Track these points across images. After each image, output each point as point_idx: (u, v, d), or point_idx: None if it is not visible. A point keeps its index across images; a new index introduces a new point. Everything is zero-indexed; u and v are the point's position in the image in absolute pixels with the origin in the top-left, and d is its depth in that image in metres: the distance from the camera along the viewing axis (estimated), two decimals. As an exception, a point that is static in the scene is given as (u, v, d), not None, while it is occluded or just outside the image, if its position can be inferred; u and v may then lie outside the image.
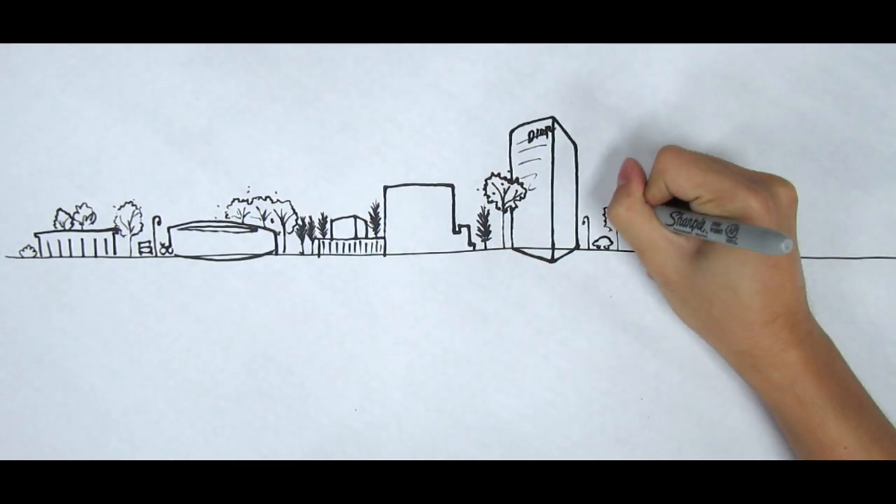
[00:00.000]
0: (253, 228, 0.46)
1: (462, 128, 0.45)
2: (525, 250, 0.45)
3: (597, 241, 0.45)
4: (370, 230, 0.46)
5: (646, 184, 0.41)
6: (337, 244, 0.46)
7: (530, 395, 0.45)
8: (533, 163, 0.45)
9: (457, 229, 0.45)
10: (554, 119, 0.45)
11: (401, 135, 0.45)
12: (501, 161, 0.45)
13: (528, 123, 0.45)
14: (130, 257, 0.46)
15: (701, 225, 0.38)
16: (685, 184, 0.39)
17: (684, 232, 0.40)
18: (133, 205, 0.46)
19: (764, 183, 0.39)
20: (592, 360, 0.45)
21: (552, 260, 0.45)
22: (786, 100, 0.45)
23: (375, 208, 0.46)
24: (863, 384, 0.41)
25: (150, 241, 0.46)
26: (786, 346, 0.39)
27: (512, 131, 0.45)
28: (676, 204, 0.41)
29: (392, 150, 0.46)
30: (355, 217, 0.46)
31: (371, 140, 0.46)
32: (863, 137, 0.44)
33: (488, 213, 0.45)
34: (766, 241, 0.34)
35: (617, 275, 0.45)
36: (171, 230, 0.46)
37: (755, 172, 0.40)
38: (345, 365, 0.46)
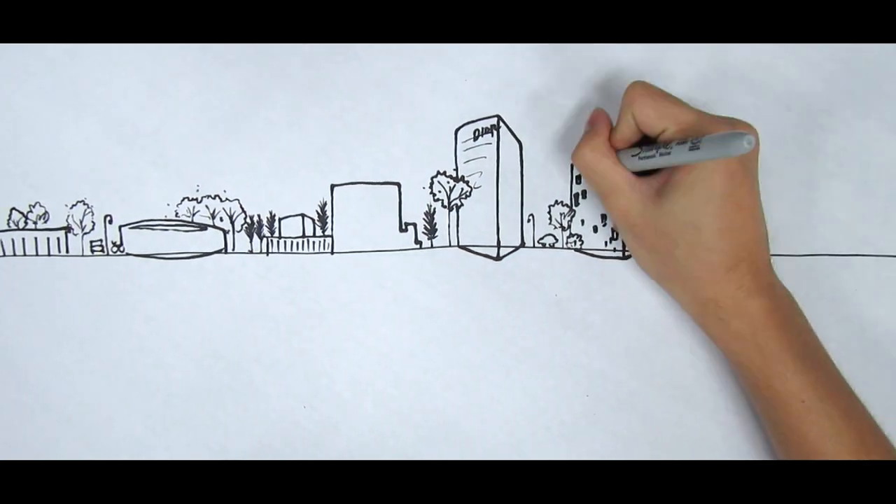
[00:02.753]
0: (202, 227, 0.46)
1: (408, 126, 0.46)
2: (471, 248, 0.46)
3: (542, 238, 0.45)
4: (318, 228, 0.46)
5: (611, 130, 0.42)
6: (285, 242, 0.46)
7: (476, 392, 0.46)
8: (478, 161, 0.45)
9: (403, 227, 0.46)
10: (499, 118, 0.45)
11: (348, 133, 0.46)
12: (447, 159, 0.46)
13: (473, 122, 0.45)
14: (83, 256, 0.47)
15: (667, 145, 0.39)
16: (652, 114, 0.39)
17: (647, 158, 0.40)
18: (85, 204, 0.47)
19: (728, 122, 0.39)
20: (538, 358, 0.45)
21: (498, 258, 0.46)
22: (728, 98, 0.45)
23: (323, 207, 0.46)
24: (859, 382, 0.41)
25: (101, 240, 0.47)
26: (749, 294, 0.39)
27: (457, 130, 0.46)
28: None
29: (339, 149, 0.46)
30: (303, 215, 0.46)
31: (318, 139, 0.46)
32: (805, 136, 0.45)
33: (434, 212, 0.46)
34: (729, 142, 0.34)
35: (562, 272, 0.45)
36: (123, 229, 0.47)
37: (718, 115, 0.40)
38: (293, 362, 0.46)
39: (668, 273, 0.42)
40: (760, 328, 0.39)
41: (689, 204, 0.39)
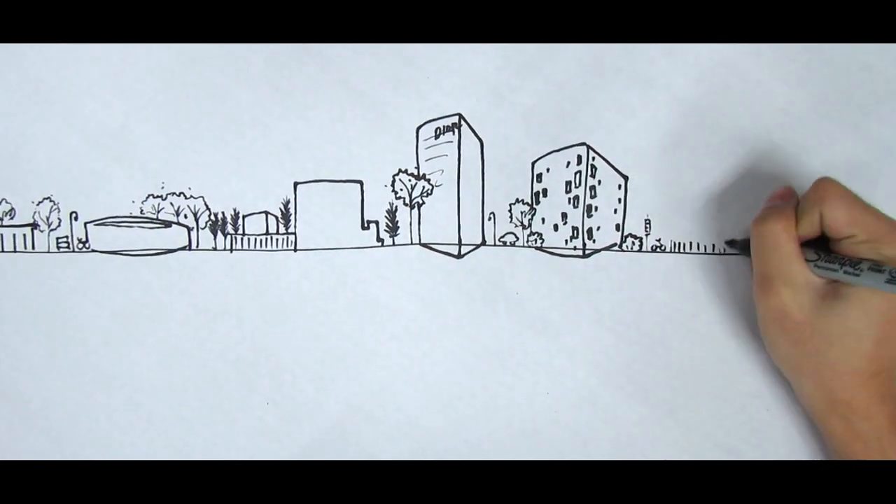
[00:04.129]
0: (167, 224, 0.47)
1: (370, 124, 0.46)
2: (432, 246, 0.46)
3: (503, 237, 0.46)
4: (281, 226, 0.46)
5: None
6: (248, 239, 0.46)
7: (438, 390, 0.46)
8: (440, 159, 0.46)
9: (365, 225, 0.46)
10: (460, 116, 0.45)
11: (310, 131, 0.46)
12: (409, 157, 0.46)
13: (435, 120, 0.46)
14: (49, 252, 0.47)
15: (855, 264, 0.38)
16: (843, 218, 0.38)
17: (828, 270, 0.39)
18: (51, 200, 0.47)
19: None
20: (498, 355, 0.46)
21: (459, 256, 0.46)
22: (689, 97, 0.45)
23: (286, 204, 0.46)
24: None
25: (67, 237, 0.47)
26: (882, 400, 0.39)
27: (419, 128, 0.46)
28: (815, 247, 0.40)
29: (302, 147, 0.46)
30: (266, 213, 0.46)
31: (281, 136, 0.46)
32: (765, 134, 0.45)
33: (396, 209, 0.46)
34: None
35: (523, 271, 0.46)
36: (88, 225, 0.47)
37: None
38: (256, 359, 0.46)
39: (806, 369, 0.41)
40: (885, 433, 0.39)
41: (863, 313, 0.38)
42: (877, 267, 0.37)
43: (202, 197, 0.47)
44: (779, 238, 0.39)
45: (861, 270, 0.38)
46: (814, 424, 0.44)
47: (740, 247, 0.44)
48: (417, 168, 0.46)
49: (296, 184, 0.46)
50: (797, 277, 0.39)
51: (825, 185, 0.39)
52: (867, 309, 0.38)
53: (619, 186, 0.45)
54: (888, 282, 0.37)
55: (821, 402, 0.41)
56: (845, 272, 0.38)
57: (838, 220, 0.38)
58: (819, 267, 0.39)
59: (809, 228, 0.40)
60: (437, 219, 0.46)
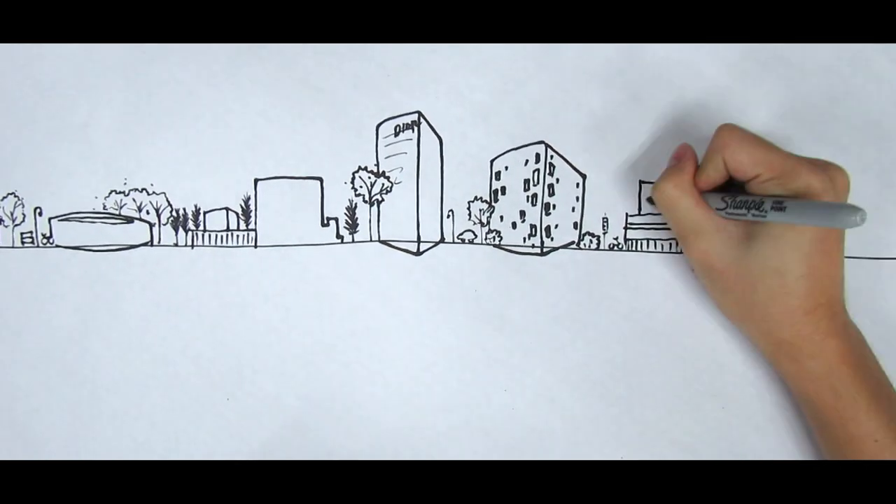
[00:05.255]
0: (129, 220, 0.47)
1: (330, 122, 0.46)
2: (391, 243, 0.46)
3: (461, 234, 0.46)
4: (241, 222, 0.47)
5: (697, 168, 0.41)
6: (209, 236, 0.47)
7: (396, 386, 0.46)
8: (399, 157, 0.46)
9: (325, 222, 0.46)
10: (420, 114, 0.46)
11: (271, 129, 0.46)
12: (368, 155, 0.46)
13: (394, 118, 0.46)
14: (13, 247, 0.47)
15: (759, 205, 0.38)
16: (746, 159, 0.38)
17: (737, 215, 0.39)
18: (16, 196, 0.47)
19: (820, 166, 0.39)
20: (457, 352, 0.46)
21: (418, 253, 0.46)
22: (647, 96, 0.45)
23: (247, 200, 0.46)
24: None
25: (31, 232, 0.47)
26: (825, 336, 0.39)
27: (379, 126, 0.46)
28: (723, 192, 0.40)
29: (262, 144, 0.46)
30: (227, 209, 0.47)
31: (242, 134, 0.46)
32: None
33: (356, 207, 0.46)
34: (839, 214, 0.33)
35: (481, 268, 0.46)
36: (52, 221, 0.47)
37: (808, 158, 0.39)
38: (217, 355, 0.46)
39: (742, 314, 0.41)
40: (835, 369, 0.39)
41: (777, 252, 0.38)
42: (778, 205, 0.37)
43: (164, 193, 0.47)
44: (673, 196, 0.40)
45: (765, 211, 0.38)
46: (771, 421, 0.44)
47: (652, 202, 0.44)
48: (377, 165, 0.46)
49: (256, 180, 0.46)
50: (705, 227, 0.40)
51: (725, 131, 0.39)
52: (782, 245, 0.38)
53: (577, 185, 0.45)
54: (791, 219, 0.36)
55: (766, 345, 0.41)
56: (753, 215, 0.38)
57: (742, 162, 0.39)
58: (729, 214, 0.39)
59: (715, 175, 0.40)
60: (397, 216, 0.46)
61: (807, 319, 0.39)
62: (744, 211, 0.39)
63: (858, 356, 0.40)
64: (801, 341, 0.40)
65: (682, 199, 0.40)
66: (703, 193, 0.41)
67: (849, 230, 0.41)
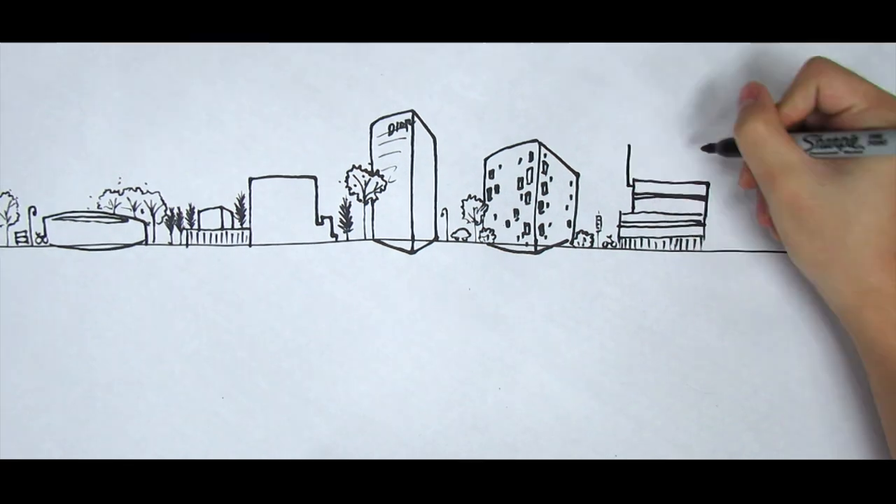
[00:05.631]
0: (123, 219, 0.47)
1: (324, 121, 0.46)
2: (385, 241, 0.46)
3: (455, 233, 0.46)
4: (236, 221, 0.47)
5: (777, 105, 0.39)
6: (204, 234, 0.47)
7: (391, 385, 0.46)
8: (393, 155, 0.46)
9: (319, 221, 0.46)
10: (414, 112, 0.46)
11: (265, 128, 0.46)
12: (362, 154, 0.46)
13: (388, 117, 0.46)
14: (7, 247, 0.47)
15: (853, 141, 0.36)
16: (842, 87, 0.37)
17: (827, 154, 0.37)
18: (10, 195, 0.47)
19: None
20: (451, 350, 0.46)
21: (412, 251, 0.46)
22: (640, 94, 0.45)
23: (241, 199, 0.47)
24: None
25: (26, 231, 0.47)
26: None
27: (373, 124, 0.46)
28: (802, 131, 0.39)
29: (257, 143, 0.46)
30: (221, 208, 0.47)
31: (237, 132, 0.46)
32: (715, 131, 0.45)
33: (350, 205, 0.46)
34: None
35: (475, 266, 0.46)
36: (46, 220, 0.47)
37: None
38: (211, 353, 0.46)
39: (829, 259, 0.39)
40: None
41: (874, 186, 0.37)
42: (877, 138, 0.36)
43: (158, 192, 0.47)
44: (763, 134, 0.38)
45: (862, 146, 0.36)
46: (765, 419, 0.44)
47: (719, 149, 0.42)
48: (371, 164, 0.46)
49: (250, 179, 0.46)
50: (796, 163, 0.38)
51: (819, 61, 0.38)
52: (878, 179, 0.37)
53: (571, 183, 0.46)
54: (891, 147, 0.35)
55: (851, 295, 0.39)
56: (846, 152, 0.37)
57: (838, 90, 0.37)
58: (815, 154, 0.38)
59: (804, 106, 0.39)
60: (391, 214, 0.46)
61: None
62: (834, 149, 0.37)
63: None
64: (889, 287, 0.38)
65: (772, 137, 0.38)
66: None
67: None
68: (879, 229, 0.37)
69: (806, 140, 0.38)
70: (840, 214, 0.38)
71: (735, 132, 0.39)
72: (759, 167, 0.39)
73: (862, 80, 0.38)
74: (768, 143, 0.38)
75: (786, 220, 0.39)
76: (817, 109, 0.39)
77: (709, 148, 0.43)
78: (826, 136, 0.38)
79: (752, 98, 0.40)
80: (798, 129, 0.40)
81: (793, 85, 0.39)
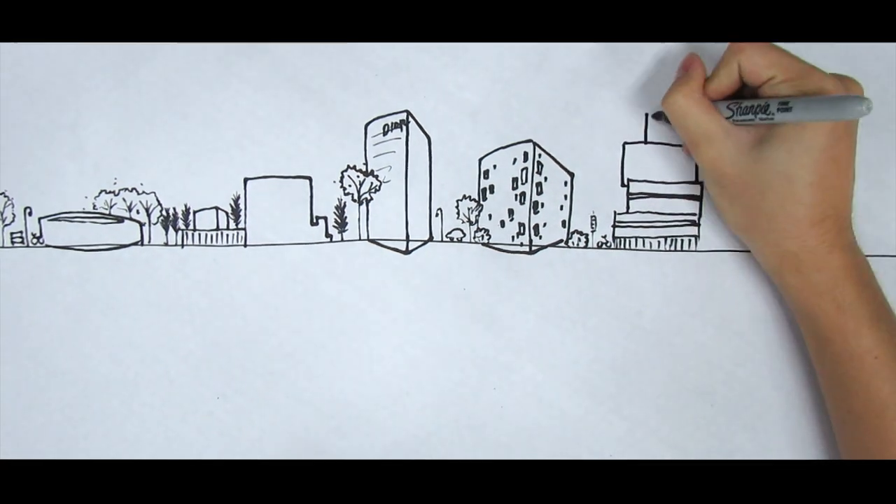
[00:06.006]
0: (119, 219, 0.47)
1: (319, 121, 0.46)
2: (380, 242, 0.46)
3: (450, 233, 0.46)
4: (231, 221, 0.47)
5: (705, 78, 0.41)
6: (199, 235, 0.47)
7: (386, 385, 0.46)
8: (388, 155, 0.46)
9: (314, 221, 0.46)
10: (408, 113, 0.46)
11: (260, 128, 0.46)
12: (357, 154, 0.46)
13: (383, 117, 0.46)
14: (3, 247, 0.47)
15: (765, 108, 0.38)
16: (761, 60, 0.39)
17: (745, 121, 0.39)
18: (5, 196, 0.47)
19: (836, 78, 0.39)
20: (446, 350, 0.46)
21: (407, 251, 0.46)
22: (634, 94, 0.45)
23: (236, 200, 0.47)
24: None
25: (22, 232, 0.47)
26: (831, 249, 0.39)
27: (367, 125, 0.46)
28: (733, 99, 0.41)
29: (252, 143, 0.46)
30: (217, 208, 0.47)
31: (231, 133, 0.46)
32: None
33: (345, 206, 0.46)
34: (845, 104, 0.33)
35: (470, 266, 0.46)
36: (42, 221, 0.47)
37: (822, 71, 0.39)
38: (207, 354, 0.47)
39: (750, 224, 0.41)
40: (840, 282, 0.39)
41: (787, 156, 0.38)
42: (784, 105, 0.37)
43: (154, 192, 0.47)
44: (683, 105, 0.40)
45: (772, 113, 0.38)
46: (759, 419, 0.44)
47: (664, 118, 0.44)
48: (366, 164, 0.46)
49: (246, 180, 0.46)
50: (716, 133, 0.40)
51: (740, 43, 0.40)
52: (792, 149, 0.38)
53: (566, 183, 0.46)
54: (797, 115, 0.36)
55: (772, 257, 0.41)
56: (760, 119, 0.39)
57: (757, 63, 0.39)
58: (736, 121, 0.40)
59: (728, 80, 0.40)
60: (385, 215, 0.46)
61: (814, 231, 0.39)
62: (751, 116, 0.39)
63: (862, 273, 0.40)
64: (806, 253, 0.39)
65: (692, 108, 0.40)
66: (713, 102, 0.41)
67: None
68: (793, 198, 0.39)
69: (728, 108, 0.40)
70: (756, 182, 0.39)
71: (662, 104, 0.41)
72: (684, 136, 0.41)
73: (783, 53, 0.39)
74: (689, 113, 0.40)
75: (710, 186, 0.42)
76: (746, 84, 0.41)
77: (657, 115, 0.45)
78: (745, 103, 0.39)
79: (685, 70, 0.42)
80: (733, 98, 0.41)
81: (718, 63, 0.41)
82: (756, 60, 0.39)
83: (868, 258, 0.41)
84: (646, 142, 0.45)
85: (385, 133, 0.46)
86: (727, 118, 0.40)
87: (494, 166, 0.46)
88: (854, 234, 0.41)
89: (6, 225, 0.47)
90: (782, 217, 0.39)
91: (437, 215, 0.46)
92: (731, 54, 0.40)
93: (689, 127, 0.40)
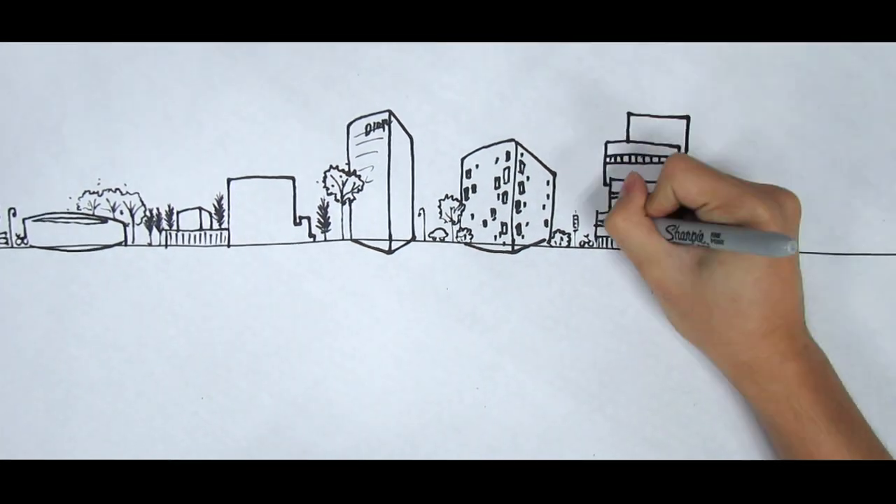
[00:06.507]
0: (103, 220, 0.47)
1: (302, 121, 0.46)
2: (363, 241, 0.46)
3: (432, 232, 0.46)
4: (214, 222, 0.47)
5: (647, 197, 0.41)
6: (183, 235, 0.47)
7: (369, 384, 0.46)
8: (370, 155, 0.46)
9: (297, 221, 0.46)
10: (390, 112, 0.46)
11: (243, 128, 0.46)
12: (340, 154, 0.46)
13: (365, 117, 0.46)
14: (-12, 248, 0.47)
15: (700, 237, 0.38)
16: (693, 188, 0.39)
17: (683, 242, 0.40)
18: (-10, 197, 0.47)
19: (770, 193, 0.39)
20: (429, 350, 0.46)
21: (390, 251, 0.46)
22: (616, 94, 0.45)
23: (219, 200, 0.47)
24: (856, 382, 0.42)
25: (6, 233, 0.47)
26: (784, 359, 0.40)
27: (350, 124, 0.46)
28: (676, 218, 0.41)
29: (235, 143, 0.46)
30: (200, 209, 0.47)
31: (214, 133, 0.46)
32: (691, 129, 0.45)
33: (328, 205, 0.46)
34: (771, 243, 0.34)
35: (452, 266, 0.46)
36: (26, 221, 0.47)
37: (759, 184, 0.40)
38: (191, 353, 0.47)
39: (701, 337, 0.42)
40: (795, 391, 0.40)
41: (729, 275, 0.39)
42: (716, 237, 0.37)
43: (137, 193, 0.47)
44: (623, 228, 0.41)
45: (706, 242, 0.38)
46: (742, 417, 0.44)
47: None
48: (348, 164, 0.46)
49: (229, 180, 0.47)
50: (658, 255, 0.41)
51: (674, 161, 0.39)
52: (733, 271, 0.39)
53: (548, 182, 0.46)
54: (729, 247, 0.37)
55: (727, 367, 0.42)
56: (697, 245, 0.39)
57: (689, 191, 0.39)
58: (675, 243, 0.40)
59: (665, 203, 0.40)
60: (368, 214, 0.46)
61: (765, 343, 0.40)
62: (688, 241, 0.39)
63: (819, 378, 0.40)
64: (759, 364, 0.40)
65: (632, 231, 0.41)
66: (654, 220, 0.41)
67: (816, 226, 0.41)
68: (740, 315, 0.39)
69: (667, 230, 0.40)
70: (701, 301, 0.40)
71: (604, 225, 0.43)
72: (628, 256, 0.42)
73: (716, 178, 0.39)
74: (630, 235, 0.41)
75: (660, 301, 0.43)
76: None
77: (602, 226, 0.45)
78: (681, 227, 0.40)
79: (626, 191, 0.42)
80: (679, 213, 0.41)
81: (656, 184, 0.41)
82: (688, 187, 0.39)
83: (853, 257, 0.41)
84: (628, 141, 0.45)
85: (367, 133, 0.46)
86: (667, 239, 0.40)
87: (477, 166, 0.46)
88: (808, 334, 0.41)
89: (-10, 226, 0.47)
90: (732, 332, 0.40)
91: (419, 215, 0.46)
92: (664, 179, 0.40)
93: (631, 248, 0.41)
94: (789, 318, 0.40)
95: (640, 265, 0.42)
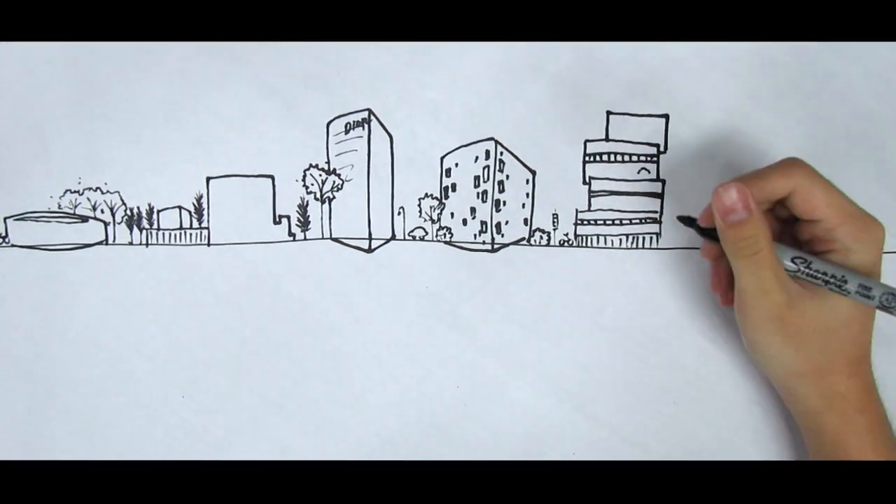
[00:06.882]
0: (84, 219, 0.47)
1: (281, 120, 0.46)
2: (343, 240, 0.46)
3: (412, 231, 0.46)
4: (194, 221, 0.47)
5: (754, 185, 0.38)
6: (163, 234, 0.47)
7: (349, 384, 0.46)
8: (350, 154, 0.46)
9: (277, 220, 0.46)
10: (370, 111, 0.46)
11: (222, 127, 0.46)
12: (319, 152, 0.46)
13: (344, 115, 0.46)
14: (-31, 247, 0.47)
15: (842, 284, 0.37)
16: (821, 197, 0.37)
17: (814, 284, 0.38)
18: (-29, 196, 0.47)
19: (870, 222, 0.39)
20: (409, 349, 0.46)
21: (369, 250, 0.46)
22: (595, 93, 0.45)
23: (199, 199, 0.47)
24: None
25: (-13, 232, 0.47)
26: (869, 389, 0.40)
27: (329, 123, 0.46)
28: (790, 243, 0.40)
29: (214, 142, 0.46)
30: (180, 208, 0.47)
31: (194, 132, 0.46)
32: (670, 129, 0.45)
33: (307, 204, 0.46)
34: None
35: (432, 265, 0.46)
36: (7, 220, 0.47)
37: (866, 214, 0.39)
38: (172, 353, 0.47)
39: (804, 369, 0.40)
40: (876, 425, 0.40)
41: (849, 305, 0.38)
42: (865, 291, 0.37)
43: (118, 192, 0.47)
44: (760, 244, 0.38)
45: (848, 292, 0.37)
46: (723, 416, 0.44)
47: (699, 229, 0.40)
48: (328, 163, 0.46)
49: (208, 179, 0.46)
50: (786, 282, 0.38)
51: (801, 166, 0.38)
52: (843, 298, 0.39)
53: (527, 181, 0.46)
54: (879, 307, 0.37)
55: (817, 400, 0.40)
56: (830, 289, 0.38)
57: (810, 203, 0.38)
58: (797, 275, 0.38)
59: (774, 195, 0.38)
60: (348, 213, 0.46)
61: (861, 370, 0.40)
62: (820, 283, 0.38)
63: (886, 418, 0.41)
64: (852, 394, 0.40)
65: (767, 247, 0.38)
66: (775, 245, 0.39)
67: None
68: (852, 339, 0.39)
69: (794, 261, 0.38)
70: (826, 330, 0.39)
71: (730, 231, 0.38)
72: (748, 277, 0.39)
73: (839, 193, 0.38)
74: (762, 254, 0.38)
75: (772, 335, 0.39)
76: (783, 203, 0.39)
77: (687, 221, 0.41)
78: (815, 265, 0.38)
79: (747, 211, 0.37)
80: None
81: (770, 173, 0.38)
82: (815, 193, 0.38)
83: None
84: (607, 139, 0.45)
85: (347, 132, 0.46)
86: (791, 271, 0.38)
87: (456, 164, 0.46)
88: None
89: (-28, 225, 0.47)
90: (842, 359, 0.39)
91: (399, 214, 0.46)
92: (786, 174, 0.38)
93: (758, 270, 0.38)
94: (869, 348, 0.40)
95: (767, 292, 0.38)
